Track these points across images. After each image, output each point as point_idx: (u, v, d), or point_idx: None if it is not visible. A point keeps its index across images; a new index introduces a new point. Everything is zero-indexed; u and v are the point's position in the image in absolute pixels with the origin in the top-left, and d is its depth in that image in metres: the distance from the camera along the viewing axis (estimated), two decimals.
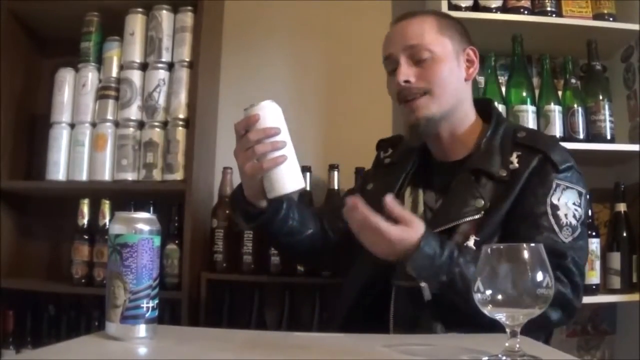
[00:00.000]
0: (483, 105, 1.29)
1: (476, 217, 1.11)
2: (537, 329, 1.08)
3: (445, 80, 1.18)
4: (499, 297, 0.73)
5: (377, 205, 1.17)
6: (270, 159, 1.05)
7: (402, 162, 1.30)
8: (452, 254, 1.03)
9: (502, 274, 0.73)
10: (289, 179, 1.06)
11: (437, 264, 1.02)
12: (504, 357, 0.72)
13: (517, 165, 1.14)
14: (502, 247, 0.76)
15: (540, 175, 1.12)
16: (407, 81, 1.16)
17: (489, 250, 0.75)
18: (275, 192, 1.07)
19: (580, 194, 1.14)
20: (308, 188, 1.89)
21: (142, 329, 0.83)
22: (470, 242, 1.10)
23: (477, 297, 0.74)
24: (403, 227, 1.02)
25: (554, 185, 1.11)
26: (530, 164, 1.13)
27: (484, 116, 1.27)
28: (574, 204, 1.12)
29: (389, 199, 1.03)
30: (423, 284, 1.04)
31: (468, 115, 1.24)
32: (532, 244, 0.75)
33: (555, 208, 1.10)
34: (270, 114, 1.07)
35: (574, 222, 1.11)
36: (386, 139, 1.44)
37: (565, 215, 1.10)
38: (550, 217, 1.09)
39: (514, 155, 1.15)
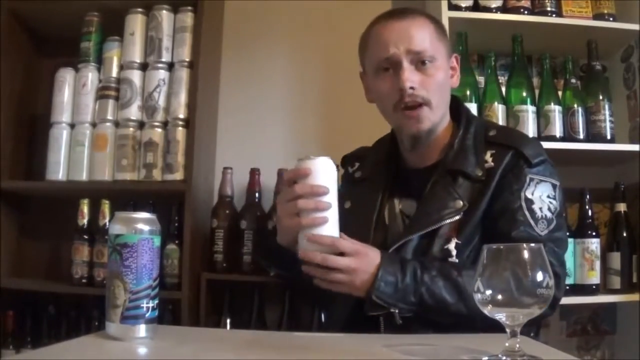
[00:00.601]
0: (451, 103, 1.27)
1: (456, 218, 1.11)
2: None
3: (442, 88, 1.18)
4: (499, 297, 0.73)
5: (358, 223, 1.17)
6: (310, 218, 1.00)
7: (375, 175, 1.28)
8: (414, 274, 1.04)
9: (502, 274, 0.73)
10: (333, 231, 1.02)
11: (402, 287, 1.03)
12: (504, 357, 0.72)
13: (492, 163, 1.14)
14: (502, 247, 0.76)
15: (514, 171, 1.13)
16: (412, 87, 1.14)
17: (489, 250, 0.75)
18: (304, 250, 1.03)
19: (554, 186, 1.14)
20: None
21: (142, 329, 0.83)
22: (452, 245, 1.10)
23: (477, 297, 0.74)
24: (356, 257, 1.03)
25: (527, 180, 1.12)
26: (503, 160, 1.13)
27: (452, 114, 1.26)
28: (548, 196, 1.12)
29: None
30: (393, 310, 1.03)
31: (445, 119, 1.23)
32: (533, 244, 0.75)
33: (529, 202, 1.10)
34: (324, 171, 1.02)
35: (549, 214, 1.11)
36: (350, 154, 1.41)
37: (540, 208, 1.11)
38: (526, 211, 1.10)
39: (488, 154, 1.15)
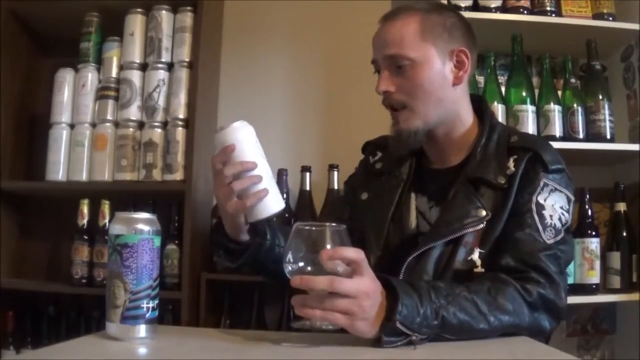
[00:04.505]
0: (475, 102, 1.23)
1: (479, 227, 1.07)
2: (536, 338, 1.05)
3: (426, 90, 1.12)
4: (309, 269, 0.82)
5: (374, 216, 1.12)
6: (252, 195, 0.97)
7: (396, 169, 1.24)
8: (429, 295, 0.90)
9: (307, 251, 0.83)
10: (269, 202, 0.99)
11: (422, 311, 0.87)
12: None
13: (513, 169, 1.10)
14: (308, 228, 0.83)
15: (529, 174, 1.09)
16: (386, 91, 1.13)
17: (299, 228, 0.84)
18: (255, 216, 1.00)
19: (569, 199, 1.10)
20: (308, 188, 1.89)
21: (142, 329, 0.83)
22: (475, 255, 1.06)
23: (288, 268, 0.83)
24: (358, 277, 0.84)
25: (541, 184, 1.08)
26: (522, 163, 1.10)
27: (478, 114, 1.22)
28: (561, 207, 1.08)
29: (325, 254, 0.83)
30: (415, 337, 0.86)
31: (464, 118, 1.19)
32: (335, 225, 0.84)
33: (540, 207, 1.06)
34: (245, 138, 0.99)
35: (558, 225, 1.06)
36: (373, 141, 1.36)
37: (551, 216, 1.06)
38: (535, 215, 1.06)
39: (511, 160, 1.11)
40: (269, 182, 1.00)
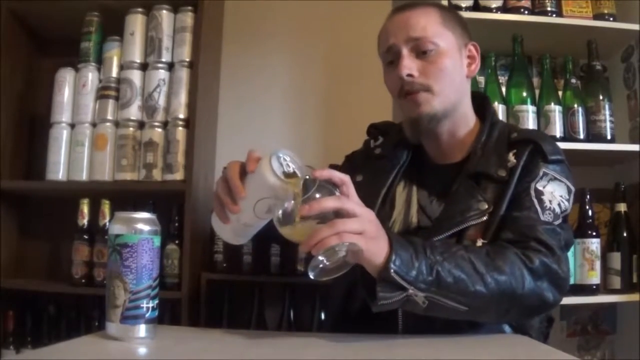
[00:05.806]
0: (478, 101, 1.25)
1: (482, 219, 1.07)
2: (537, 313, 1.06)
3: (449, 75, 1.14)
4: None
5: (367, 198, 1.13)
6: (222, 214, 0.95)
7: (394, 155, 1.25)
8: (425, 250, 0.91)
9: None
10: (227, 230, 0.99)
11: (417, 265, 0.88)
12: None
13: (514, 161, 1.11)
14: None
15: (530, 166, 1.10)
16: (410, 75, 1.12)
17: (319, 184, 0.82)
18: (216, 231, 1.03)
19: (569, 190, 1.11)
20: None
21: (142, 329, 0.83)
22: (478, 245, 1.06)
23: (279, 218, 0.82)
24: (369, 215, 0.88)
25: (540, 173, 1.09)
26: (523, 156, 1.11)
27: (478, 112, 1.24)
28: (561, 196, 1.09)
29: (318, 171, 0.85)
30: (412, 291, 0.87)
31: (467, 115, 1.21)
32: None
33: (539, 193, 1.07)
34: (269, 182, 0.85)
35: (557, 210, 1.07)
36: (377, 124, 1.37)
37: (550, 201, 1.07)
38: (533, 199, 1.06)
39: (511, 154, 1.13)
40: (241, 223, 0.94)
